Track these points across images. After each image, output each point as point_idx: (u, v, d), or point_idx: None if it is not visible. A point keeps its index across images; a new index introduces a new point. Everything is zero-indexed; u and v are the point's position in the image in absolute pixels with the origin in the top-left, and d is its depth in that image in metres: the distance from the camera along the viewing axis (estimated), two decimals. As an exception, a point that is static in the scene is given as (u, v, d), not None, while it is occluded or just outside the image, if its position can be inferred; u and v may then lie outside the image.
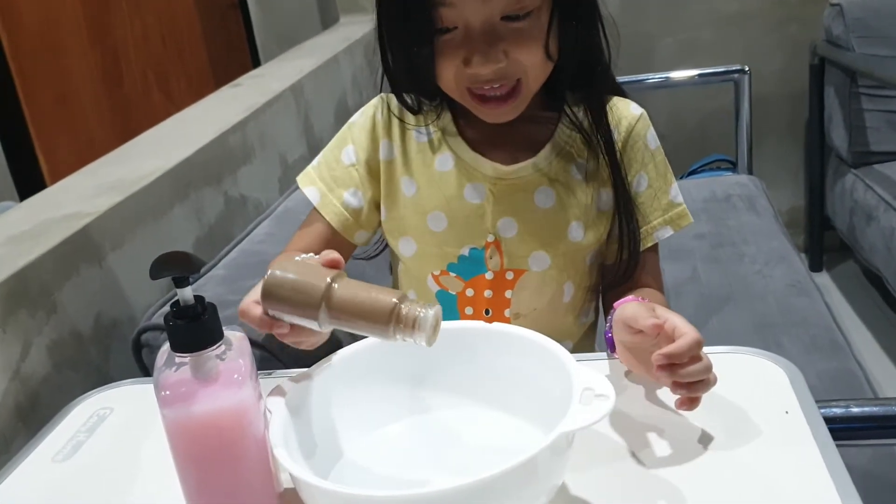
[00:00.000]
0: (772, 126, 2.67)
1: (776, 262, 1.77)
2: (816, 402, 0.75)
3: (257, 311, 0.69)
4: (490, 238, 0.91)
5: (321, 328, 0.67)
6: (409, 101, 0.93)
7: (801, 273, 1.73)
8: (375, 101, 0.95)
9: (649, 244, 0.94)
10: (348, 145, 0.95)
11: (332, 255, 0.68)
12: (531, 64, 0.83)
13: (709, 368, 0.69)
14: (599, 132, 0.90)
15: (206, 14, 3.11)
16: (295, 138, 1.82)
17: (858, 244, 2.32)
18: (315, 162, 0.97)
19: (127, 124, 3.03)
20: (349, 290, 0.66)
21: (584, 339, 0.99)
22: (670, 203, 0.94)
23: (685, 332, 0.69)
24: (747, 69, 2.30)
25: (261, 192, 1.61)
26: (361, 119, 0.95)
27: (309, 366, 0.73)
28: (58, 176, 2.78)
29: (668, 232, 0.94)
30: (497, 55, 0.80)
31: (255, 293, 0.70)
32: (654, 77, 2.44)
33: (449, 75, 0.84)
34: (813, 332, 1.52)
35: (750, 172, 2.35)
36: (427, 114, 0.93)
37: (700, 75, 2.40)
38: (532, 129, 0.92)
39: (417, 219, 0.91)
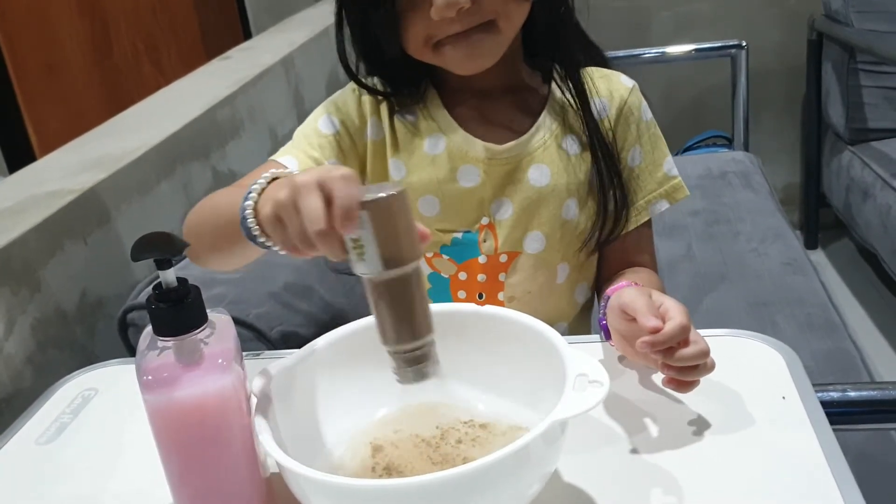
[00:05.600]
0: (769, 101, 2.65)
1: (772, 239, 1.76)
2: (813, 385, 0.74)
3: (357, 192, 0.55)
4: (484, 221, 0.89)
5: (368, 273, 0.57)
6: (370, 83, 0.88)
7: (797, 251, 1.72)
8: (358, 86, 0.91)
9: (645, 218, 0.93)
10: (330, 116, 0.90)
11: (426, 229, 0.59)
12: (498, 2, 0.79)
13: (705, 353, 0.68)
14: (577, 94, 0.87)
15: (197, -16, 3.06)
16: (285, 112, 1.80)
17: (854, 221, 2.31)
18: (291, 140, 0.91)
19: (117, 95, 2.99)
20: (424, 279, 0.60)
21: (579, 320, 0.97)
22: (665, 176, 0.92)
23: (673, 316, 0.68)
24: (744, 44, 2.28)
25: (250, 166, 1.57)
26: (344, 96, 0.91)
27: (297, 347, 0.71)
28: (47, 146, 2.75)
29: (664, 205, 0.93)
30: None
31: (352, 173, 0.57)
32: (650, 51, 2.41)
33: (416, 31, 0.80)
34: (808, 311, 1.51)
35: (746, 149, 2.33)
36: (407, 94, 0.89)
37: (696, 50, 2.38)
38: (521, 102, 0.90)
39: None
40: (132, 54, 3.04)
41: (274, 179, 0.65)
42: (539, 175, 0.88)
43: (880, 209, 2.11)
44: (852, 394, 0.83)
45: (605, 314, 0.79)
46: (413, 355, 0.59)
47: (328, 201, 0.54)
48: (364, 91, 0.89)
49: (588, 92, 0.88)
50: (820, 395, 0.83)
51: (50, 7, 2.83)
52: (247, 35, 2.84)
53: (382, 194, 0.55)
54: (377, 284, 0.58)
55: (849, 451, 1.13)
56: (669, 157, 0.93)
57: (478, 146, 0.88)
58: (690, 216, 1.87)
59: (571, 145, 0.89)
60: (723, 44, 2.32)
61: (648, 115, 0.92)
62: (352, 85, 0.91)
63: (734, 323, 0.99)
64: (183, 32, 3.11)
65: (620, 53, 2.42)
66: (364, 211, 0.55)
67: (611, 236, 0.91)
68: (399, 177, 0.89)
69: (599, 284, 0.97)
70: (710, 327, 0.81)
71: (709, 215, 1.87)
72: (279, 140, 1.73)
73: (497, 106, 0.88)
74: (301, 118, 1.76)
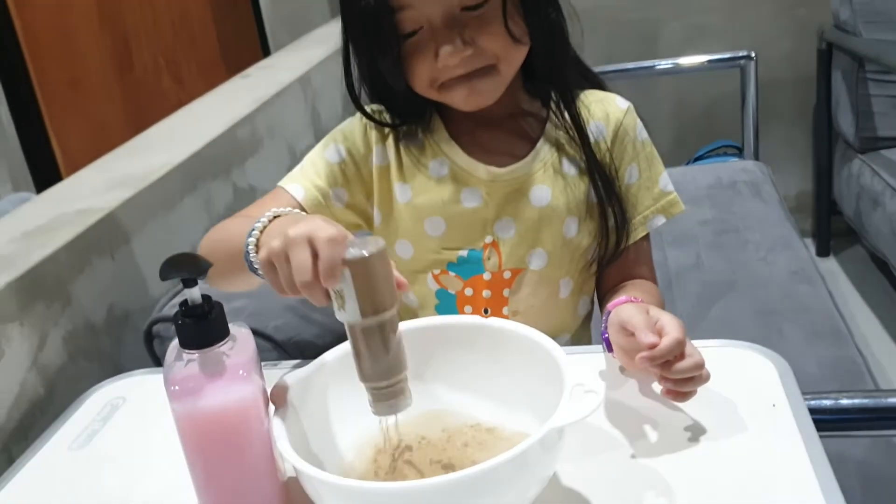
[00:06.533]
0: (780, 110, 2.67)
1: (780, 248, 1.78)
2: (808, 393, 0.78)
3: (340, 253, 0.61)
4: (488, 239, 0.93)
5: (347, 320, 0.64)
6: (374, 114, 0.94)
7: (805, 260, 1.74)
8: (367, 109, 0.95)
9: (643, 233, 0.96)
10: (337, 145, 0.95)
11: (402, 278, 0.66)
12: (498, 47, 0.85)
13: (700, 365, 0.72)
14: (574, 123, 0.92)
15: (216, 0, 3.12)
16: (303, 127, 1.85)
17: (865, 229, 2.33)
18: (298, 166, 0.96)
19: (138, 109, 3.05)
20: (398, 324, 0.66)
21: (581, 331, 1.01)
22: (661, 192, 0.96)
23: (668, 331, 0.72)
24: (753, 55, 2.31)
25: (269, 182, 1.63)
26: (351, 125, 0.96)
27: (313, 356, 0.76)
28: (71, 159, 2.82)
29: (660, 220, 0.96)
30: (462, 44, 0.83)
31: (341, 233, 0.63)
32: (660, 63, 2.45)
33: (422, 74, 0.86)
34: (814, 319, 1.53)
35: (756, 158, 2.36)
36: (412, 124, 0.94)
37: (706, 61, 2.41)
38: (522, 127, 0.94)
39: (414, 224, 0.93)
40: (153, 69, 3.11)
41: (276, 217, 0.72)
42: (540, 196, 0.92)
43: (890, 217, 2.13)
44: (845, 401, 0.87)
45: (606, 328, 0.83)
46: (386, 392, 0.66)
47: (315, 256, 0.62)
48: (375, 117, 0.94)
49: (583, 120, 0.93)
50: (814, 402, 0.87)
51: (72, 23, 2.90)
52: (265, 48, 2.90)
53: (364, 252, 0.62)
54: (355, 329, 0.65)
55: (851, 459, 1.16)
56: (665, 174, 0.97)
57: (480, 169, 0.92)
58: (700, 226, 1.89)
59: (570, 167, 0.93)
60: (732, 55, 2.35)
61: (644, 134, 0.96)
62: (357, 114, 0.96)
63: (740, 331, 1.02)
64: (202, 47, 3.18)
65: (631, 65, 2.46)
66: (346, 268, 0.62)
67: (615, 251, 0.95)
68: (405, 199, 0.93)
69: (600, 297, 1.01)
70: (717, 335, 0.86)
71: (718, 224, 1.89)
72: (297, 155, 1.78)
73: (498, 132, 0.93)
74: (318, 133, 1.82)
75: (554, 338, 0.88)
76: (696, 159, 2.57)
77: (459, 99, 0.88)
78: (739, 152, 2.46)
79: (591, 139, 0.93)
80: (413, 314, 0.96)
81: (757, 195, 2.02)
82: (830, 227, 2.66)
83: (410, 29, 0.84)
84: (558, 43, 0.91)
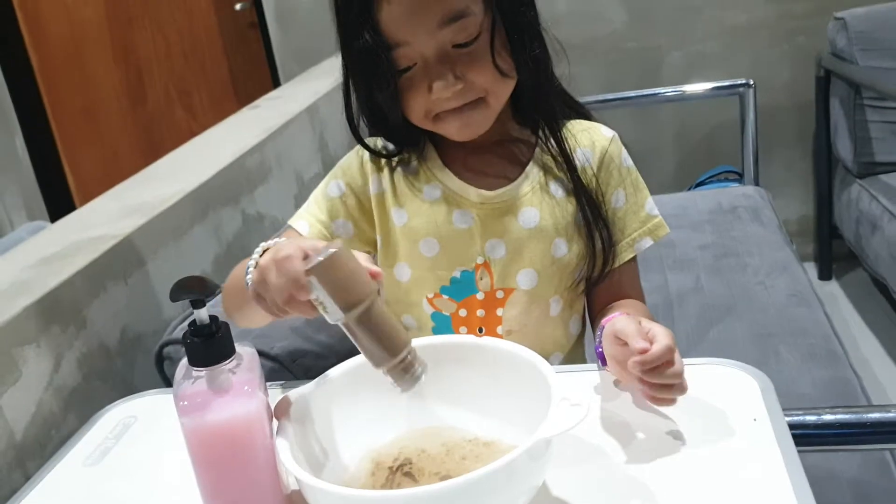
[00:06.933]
0: (781, 136, 2.71)
1: (779, 272, 1.81)
2: (790, 409, 0.81)
3: (299, 267, 0.69)
4: (479, 260, 0.97)
5: (339, 321, 0.70)
6: (375, 147, 1.00)
7: (803, 283, 1.76)
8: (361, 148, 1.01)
9: (630, 255, 1.00)
10: (336, 180, 1.01)
11: (376, 267, 0.72)
12: (487, 81, 0.90)
13: (679, 374, 0.76)
14: (560, 149, 0.97)
15: (227, 32, 3.20)
16: (311, 156, 1.90)
17: (864, 253, 2.36)
18: (304, 205, 1.03)
19: (150, 138, 3.13)
20: (384, 308, 0.71)
21: (574, 350, 1.05)
22: (647, 215, 1.00)
23: (659, 339, 0.76)
24: (752, 82, 2.35)
25: (277, 209, 1.68)
26: (349, 160, 1.02)
27: (318, 376, 0.80)
28: (84, 189, 2.88)
29: (648, 242, 1.00)
30: (453, 78, 0.88)
31: (302, 244, 0.71)
32: (661, 91, 2.50)
33: (417, 106, 0.91)
34: (811, 341, 1.56)
35: (756, 184, 2.39)
36: (407, 153, 0.99)
37: (706, 89, 2.45)
38: (511, 154, 0.99)
39: (410, 245, 0.98)
40: (165, 99, 3.18)
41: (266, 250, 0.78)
42: (528, 217, 0.96)
43: (888, 241, 2.16)
44: (827, 417, 0.90)
45: (600, 342, 0.87)
46: (402, 366, 0.71)
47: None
48: (367, 152, 1.00)
49: (569, 147, 0.97)
50: (797, 418, 0.91)
51: (87, 55, 2.99)
52: (275, 79, 2.96)
53: (320, 258, 0.68)
54: (348, 325, 0.70)
55: (844, 475, 1.18)
56: (650, 199, 1.01)
57: (471, 192, 0.97)
58: (700, 250, 1.92)
59: (557, 189, 0.98)
60: (731, 82, 2.39)
61: (629, 162, 1.01)
62: (356, 148, 1.01)
63: (739, 353, 1.05)
64: (214, 78, 3.25)
65: (632, 93, 2.51)
66: (310, 276, 0.68)
67: (602, 272, 0.99)
68: (401, 223, 0.98)
69: (592, 317, 1.04)
70: (716, 357, 0.89)
71: (718, 249, 1.92)
72: (305, 183, 1.83)
73: (488, 157, 0.98)
74: (325, 161, 1.86)
75: (547, 357, 0.94)
76: (698, 185, 2.61)
77: (453, 130, 0.93)
78: (740, 178, 2.50)
79: (578, 165, 0.97)
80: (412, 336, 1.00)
81: (757, 220, 2.05)
82: (832, 251, 2.69)
83: (405, 65, 0.89)
84: (543, 76, 0.96)
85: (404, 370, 0.71)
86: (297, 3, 2.77)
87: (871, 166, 2.39)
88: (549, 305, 0.99)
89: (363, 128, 0.98)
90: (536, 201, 0.97)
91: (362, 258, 0.72)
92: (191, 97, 3.25)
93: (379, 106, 0.93)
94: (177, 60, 3.20)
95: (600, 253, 0.98)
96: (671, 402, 0.78)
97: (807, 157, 2.75)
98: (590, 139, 0.99)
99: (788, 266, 1.82)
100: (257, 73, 3.08)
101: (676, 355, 0.77)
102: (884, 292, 2.50)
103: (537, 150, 0.99)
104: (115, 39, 3.05)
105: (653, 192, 1.03)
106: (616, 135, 1.01)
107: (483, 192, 0.97)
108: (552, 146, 0.98)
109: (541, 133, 0.98)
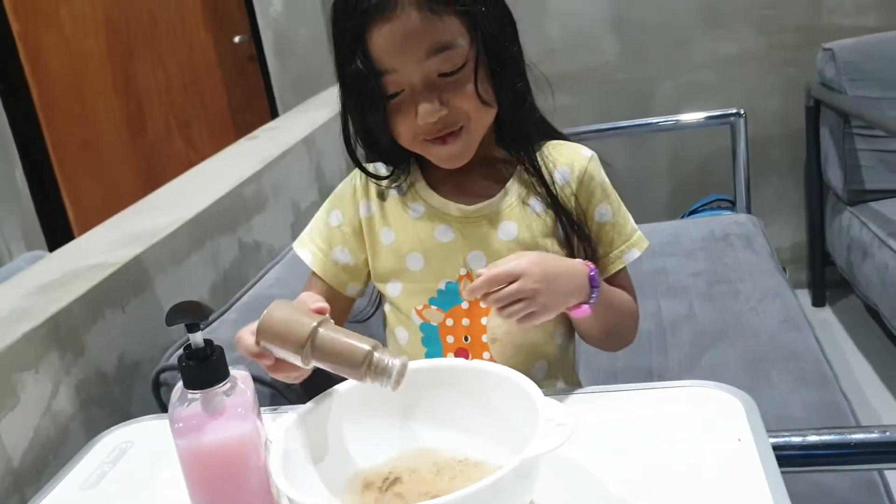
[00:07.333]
0: (773, 165, 2.75)
1: (770, 298, 1.82)
2: (776, 430, 0.83)
3: (250, 340, 0.81)
4: (462, 271, 1.02)
5: (304, 365, 0.78)
6: (371, 170, 1.06)
7: (795, 309, 1.78)
8: (354, 171, 1.08)
9: (620, 266, 1.04)
10: (334, 210, 1.08)
11: (321, 303, 0.82)
12: (469, 108, 0.95)
13: (512, 294, 0.88)
14: (537, 170, 1.02)
15: (227, 65, 3.24)
16: (307, 185, 1.93)
17: (856, 279, 2.38)
18: (307, 228, 1.10)
19: (150, 170, 3.15)
20: (331, 334, 0.77)
21: (561, 360, 1.07)
22: (632, 229, 1.06)
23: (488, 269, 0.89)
24: (742, 112, 2.39)
25: (274, 238, 1.71)
26: (343, 187, 1.09)
27: (311, 402, 0.81)
28: (83, 220, 2.90)
29: (635, 253, 1.05)
30: (439, 104, 0.94)
31: (252, 326, 0.82)
32: (653, 121, 2.54)
33: (405, 130, 0.97)
34: (802, 365, 1.57)
35: (749, 211, 2.42)
36: (397, 174, 1.05)
37: (697, 119, 2.49)
38: (493, 172, 1.04)
39: (398, 261, 1.03)
40: (165, 130, 3.22)
41: None
42: (507, 230, 1.01)
43: (878, 267, 2.18)
44: (812, 438, 0.91)
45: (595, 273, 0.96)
46: (372, 372, 0.76)
47: None
48: (358, 178, 1.06)
49: (549, 166, 1.02)
50: (782, 439, 0.92)
51: (87, 87, 3.03)
52: (273, 110, 3.00)
53: (255, 325, 0.79)
54: (309, 362, 0.78)
55: (833, 496, 1.19)
56: (629, 214, 1.07)
57: (451, 207, 1.02)
58: (693, 277, 1.94)
59: (537, 205, 1.02)
60: (722, 112, 2.43)
61: (608, 181, 1.05)
62: (350, 176, 1.08)
63: (731, 378, 1.06)
64: (213, 110, 3.29)
65: (625, 123, 2.55)
66: (260, 343, 0.79)
67: None
68: (389, 241, 1.04)
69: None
70: (708, 381, 0.91)
71: (710, 276, 1.94)
72: (301, 212, 1.85)
73: (470, 176, 1.03)
74: (321, 190, 1.89)
75: (532, 365, 0.98)
76: (691, 213, 2.64)
77: (439, 159, 0.99)
78: (733, 206, 2.53)
79: (557, 184, 1.02)
80: (401, 349, 1.05)
81: (749, 247, 2.07)
82: (825, 277, 2.71)
83: (394, 90, 0.94)
84: (523, 108, 1.01)
85: (378, 373, 0.76)
86: (294, 36, 2.81)
87: (862, 194, 2.42)
88: None
89: (360, 152, 1.04)
90: (515, 215, 1.01)
91: (307, 300, 0.83)
92: (190, 129, 3.28)
93: (371, 129, 0.99)
94: (177, 92, 3.23)
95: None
96: (519, 313, 0.89)
97: (798, 185, 2.78)
98: (569, 159, 1.04)
99: (780, 292, 1.84)
100: (256, 104, 3.12)
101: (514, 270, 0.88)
102: (876, 318, 2.52)
103: (518, 168, 1.04)
104: (115, 72, 3.09)
105: (646, 220, 1.07)
106: (595, 155, 1.05)
107: (463, 206, 1.02)
108: (532, 166, 1.02)
109: (522, 154, 1.03)
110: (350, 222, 1.06)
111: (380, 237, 1.05)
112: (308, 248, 1.08)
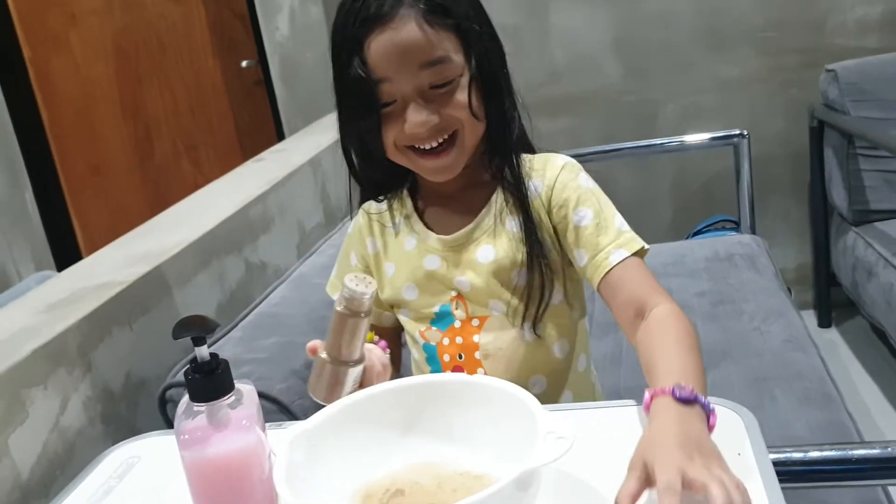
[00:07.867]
0: (777, 186, 2.76)
1: (774, 318, 1.82)
2: (776, 446, 0.83)
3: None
4: (453, 294, 1.07)
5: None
6: (369, 209, 1.12)
7: (799, 329, 1.78)
8: (360, 212, 1.14)
9: (605, 270, 1.00)
10: (351, 252, 1.15)
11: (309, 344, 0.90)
12: (461, 118, 0.99)
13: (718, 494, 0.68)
14: (515, 184, 1.05)
15: (234, 89, 3.27)
16: (313, 206, 1.94)
17: (861, 300, 2.38)
18: (333, 272, 1.19)
19: (157, 192, 3.18)
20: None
21: (560, 374, 1.08)
22: (618, 231, 1.02)
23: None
24: (746, 133, 2.40)
25: (280, 258, 1.72)
26: (352, 228, 1.15)
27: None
28: (91, 242, 2.92)
29: (623, 253, 0.99)
30: (429, 113, 0.97)
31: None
32: (657, 142, 2.55)
33: (392, 138, 1.00)
34: (806, 385, 1.57)
35: (753, 232, 2.42)
36: (392, 203, 1.11)
37: (701, 140, 2.51)
38: (473, 198, 1.07)
39: (395, 293, 1.10)
40: (172, 154, 3.24)
41: None
42: (485, 254, 1.05)
43: (884, 287, 2.19)
44: (813, 454, 0.92)
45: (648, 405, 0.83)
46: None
47: None
48: (361, 216, 1.13)
49: (524, 178, 1.05)
50: (784, 455, 0.93)
51: (96, 112, 3.06)
52: (279, 134, 3.02)
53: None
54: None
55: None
56: (619, 217, 1.04)
57: (432, 238, 1.07)
58: (697, 297, 1.95)
59: (513, 226, 1.05)
60: (725, 133, 2.44)
61: (590, 183, 1.05)
62: (356, 218, 1.14)
63: (735, 397, 1.06)
64: (220, 133, 3.32)
65: (630, 144, 2.56)
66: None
67: (538, 309, 1.04)
68: (390, 274, 1.10)
69: (624, 328, 1.00)
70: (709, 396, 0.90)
71: (714, 296, 1.95)
72: (307, 233, 1.87)
73: (455, 204, 1.08)
74: (327, 212, 1.90)
75: (528, 378, 1.00)
76: (696, 233, 2.64)
77: (428, 172, 1.03)
78: (737, 226, 2.53)
79: (530, 197, 1.04)
80: (418, 368, 1.11)
81: (752, 267, 2.08)
82: (830, 298, 2.71)
83: (387, 99, 0.98)
84: (509, 128, 1.05)
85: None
86: (301, 61, 2.84)
87: (866, 214, 2.42)
88: (523, 331, 1.05)
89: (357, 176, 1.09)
90: (491, 239, 1.05)
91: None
92: (198, 152, 3.31)
93: (364, 140, 1.02)
94: (184, 117, 3.26)
95: (537, 289, 1.04)
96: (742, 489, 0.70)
97: (802, 205, 2.79)
98: (542, 168, 1.07)
99: (784, 312, 1.84)
100: (263, 128, 3.15)
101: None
102: (882, 338, 2.51)
103: (495, 193, 1.06)
104: (124, 97, 3.12)
105: (650, 240, 1.03)
106: (569, 162, 1.07)
107: (442, 237, 1.07)
108: (508, 183, 1.05)
109: (503, 173, 1.06)
110: (363, 260, 1.13)
111: (384, 271, 1.11)
112: (336, 286, 1.14)
